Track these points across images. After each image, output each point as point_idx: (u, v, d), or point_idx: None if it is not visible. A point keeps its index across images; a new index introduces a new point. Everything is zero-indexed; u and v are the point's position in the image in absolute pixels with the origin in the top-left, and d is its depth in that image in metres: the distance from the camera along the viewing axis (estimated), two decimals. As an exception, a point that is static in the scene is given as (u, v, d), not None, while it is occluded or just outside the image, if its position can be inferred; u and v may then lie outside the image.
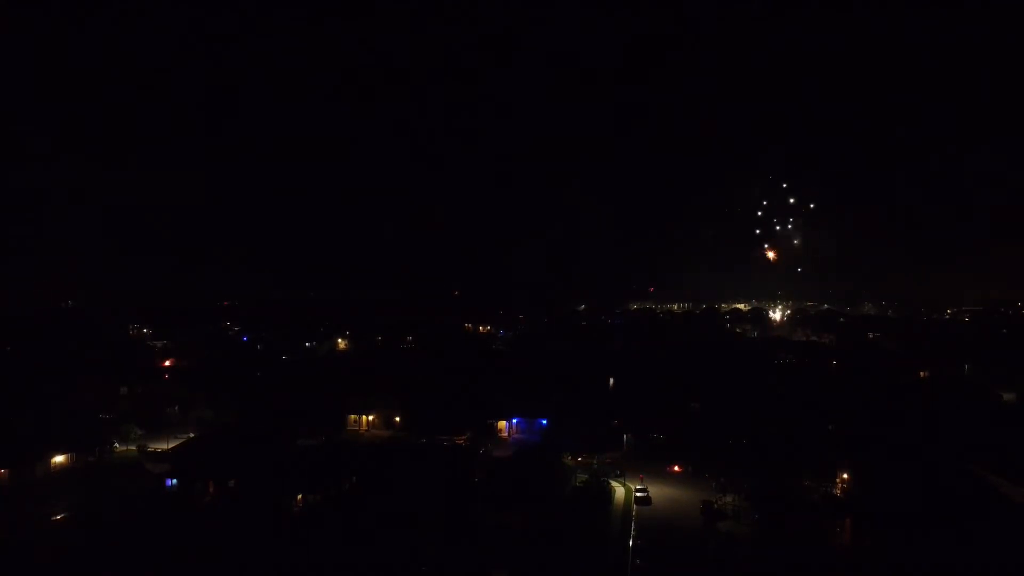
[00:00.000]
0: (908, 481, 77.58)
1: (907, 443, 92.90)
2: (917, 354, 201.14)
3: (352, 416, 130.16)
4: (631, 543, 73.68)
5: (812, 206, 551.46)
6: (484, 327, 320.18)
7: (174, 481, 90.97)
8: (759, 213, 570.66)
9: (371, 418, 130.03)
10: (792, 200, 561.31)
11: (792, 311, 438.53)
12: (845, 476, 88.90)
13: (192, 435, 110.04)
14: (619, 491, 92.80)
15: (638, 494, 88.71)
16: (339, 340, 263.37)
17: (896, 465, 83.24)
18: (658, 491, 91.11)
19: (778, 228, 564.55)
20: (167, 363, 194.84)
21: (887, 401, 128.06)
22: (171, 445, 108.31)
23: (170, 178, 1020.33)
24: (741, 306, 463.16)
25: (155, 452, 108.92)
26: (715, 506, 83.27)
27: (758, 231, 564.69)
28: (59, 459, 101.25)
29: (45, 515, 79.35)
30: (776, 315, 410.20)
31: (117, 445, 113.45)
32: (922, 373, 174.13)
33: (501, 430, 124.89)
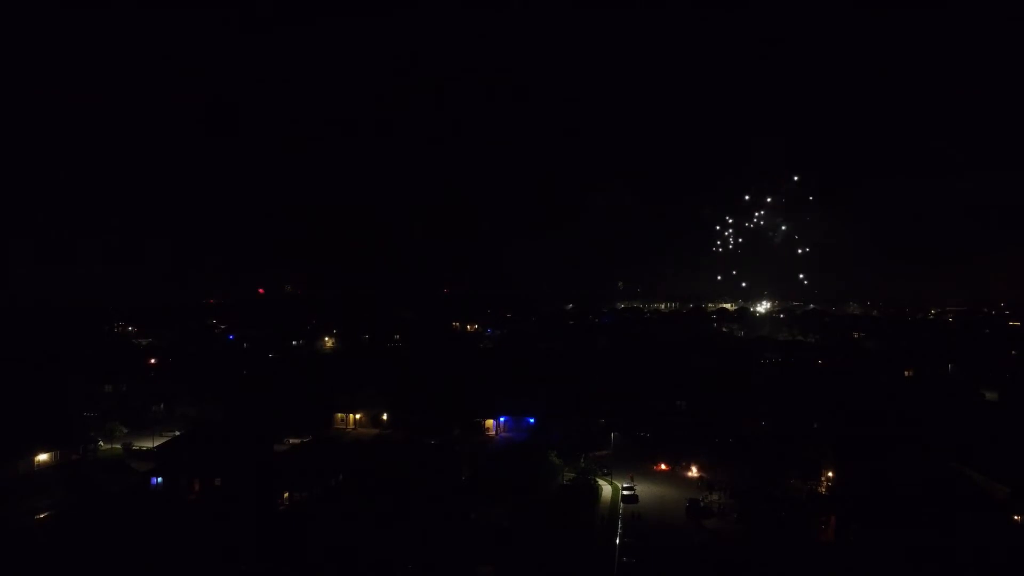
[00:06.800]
0: (892, 479, 78.26)
1: (891, 441, 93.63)
2: (901, 353, 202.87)
3: (339, 414, 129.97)
4: (618, 540, 73.98)
5: (799, 206, 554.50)
6: (471, 325, 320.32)
7: (159, 479, 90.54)
8: (747, 213, 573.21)
9: (358, 416, 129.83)
10: (779, 200, 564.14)
11: (778, 311, 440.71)
12: (830, 474, 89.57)
13: (177, 433, 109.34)
14: (606, 489, 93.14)
15: (625, 492, 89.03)
16: (326, 338, 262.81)
17: (880, 463, 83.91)
18: (645, 489, 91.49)
19: (765, 228, 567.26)
20: (152, 361, 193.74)
21: (871, 399, 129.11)
22: (156, 443, 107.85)
23: (156, 175, 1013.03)
24: (728, 306, 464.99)
25: (140, 450, 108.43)
26: (701, 504, 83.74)
27: (745, 231, 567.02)
28: (43, 457, 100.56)
29: (28, 514, 78.75)
30: (762, 314, 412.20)
31: (101, 443, 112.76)
32: (906, 372, 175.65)
33: (489, 428, 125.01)
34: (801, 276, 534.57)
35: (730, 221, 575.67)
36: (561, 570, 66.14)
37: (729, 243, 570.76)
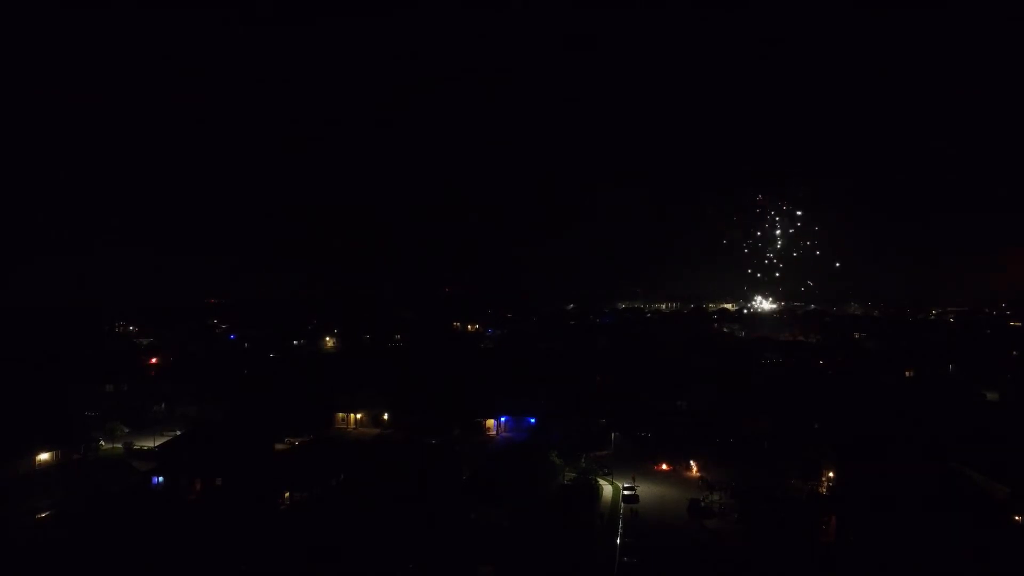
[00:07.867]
0: (892, 479, 78.24)
1: (892, 441, 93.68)
2: (901, 353, 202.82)
3: (339, 414, 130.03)
4: (618, 540, 73.99)
5: (800, 207, 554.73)
6: (472, 325, 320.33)
7: (160, 479, 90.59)
8: (748, 213, 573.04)
9: (358, 416, 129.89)
10: (780, 201, 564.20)
11: (779, 311, 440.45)
12: (830, 474, 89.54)
13: (178, 433, 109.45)
14: (607, 489, 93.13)
15: (626, 492, 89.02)
16: (326, 338, 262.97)
17: (880, 463, 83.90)
18: (645, 489, 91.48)
19: (766, 229, 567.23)
20: (153, 360, 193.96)
21: (871, 399, 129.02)
22: (157, 443, 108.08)
23: (156, 175, 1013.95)
24: (729, 306, 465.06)
25: (141, 450, 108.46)
26: (702, 504, 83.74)
27: (747, 232, 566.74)
28: (44, 456, 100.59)
29: (28, 514, 78.77)
30: (763, 315, 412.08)
31: (102, 443, 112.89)
32: (906, 372, 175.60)
33: (489, 428, 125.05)
34: (802, 277, 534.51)
35: (730, 221, 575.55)
36: (561, 570, 66.14)
37: (731, 244, 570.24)
